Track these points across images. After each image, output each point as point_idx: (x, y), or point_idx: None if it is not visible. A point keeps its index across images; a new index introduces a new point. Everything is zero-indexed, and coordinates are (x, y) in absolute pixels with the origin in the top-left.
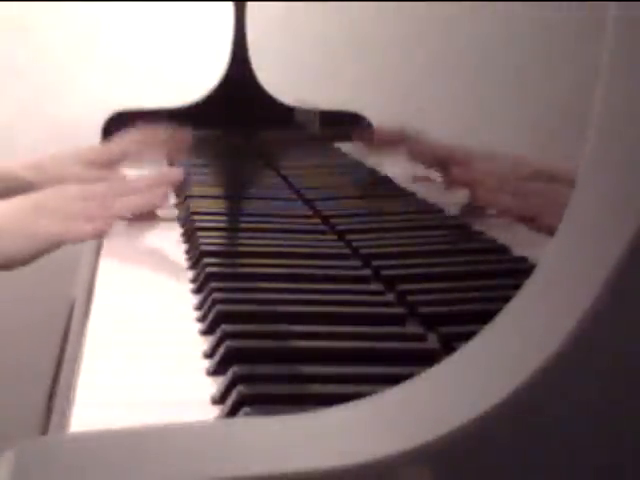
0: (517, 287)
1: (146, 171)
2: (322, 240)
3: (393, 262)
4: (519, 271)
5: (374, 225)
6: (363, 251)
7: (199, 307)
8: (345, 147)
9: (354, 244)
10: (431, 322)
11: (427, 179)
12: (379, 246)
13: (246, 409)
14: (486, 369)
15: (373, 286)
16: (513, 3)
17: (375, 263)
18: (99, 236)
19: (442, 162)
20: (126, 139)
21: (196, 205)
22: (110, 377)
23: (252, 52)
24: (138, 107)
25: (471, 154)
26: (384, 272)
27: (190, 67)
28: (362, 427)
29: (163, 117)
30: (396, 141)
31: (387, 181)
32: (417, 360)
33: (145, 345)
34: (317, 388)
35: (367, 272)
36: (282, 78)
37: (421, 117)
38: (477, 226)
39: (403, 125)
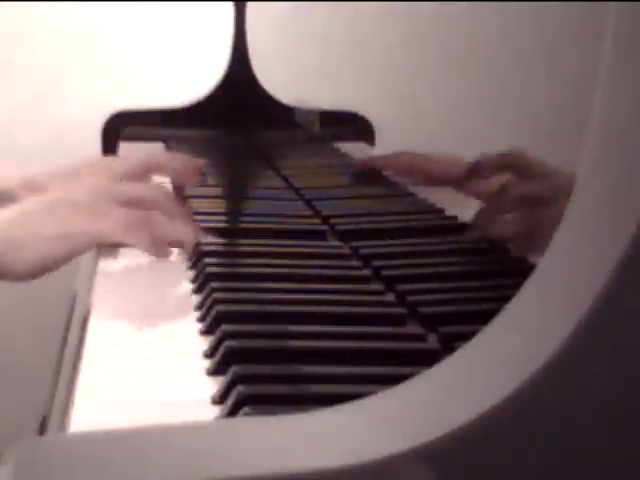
0: (517, 287)
1: None
2: (322, 240)
3: (393, 262)
4: (519, 271)
5: (374, 225)
6: (363, 251)
7: (199, 307)
8: (345, 147)
9: (354, 244)
10: (431, 322)
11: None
12: (379, 246)
13: (246, 409)
14: (486, 369)
15: (373, 286)
16: (513, 4)
17: (375, 263)
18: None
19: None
20: (133, 162)
21: (196, 205)
22: (110, 377)
23: (252, 52)
24: (138, 107)
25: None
26: (384, 272)
27: (190, 67)
28: (362, 427)
29: (163, 117)
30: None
31: (387, 181)
32: (417, 360)
33: (145, 345)
34: (317, 388)
35: (367, 272)
36: (282, 78)
37: (421, 117)
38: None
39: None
